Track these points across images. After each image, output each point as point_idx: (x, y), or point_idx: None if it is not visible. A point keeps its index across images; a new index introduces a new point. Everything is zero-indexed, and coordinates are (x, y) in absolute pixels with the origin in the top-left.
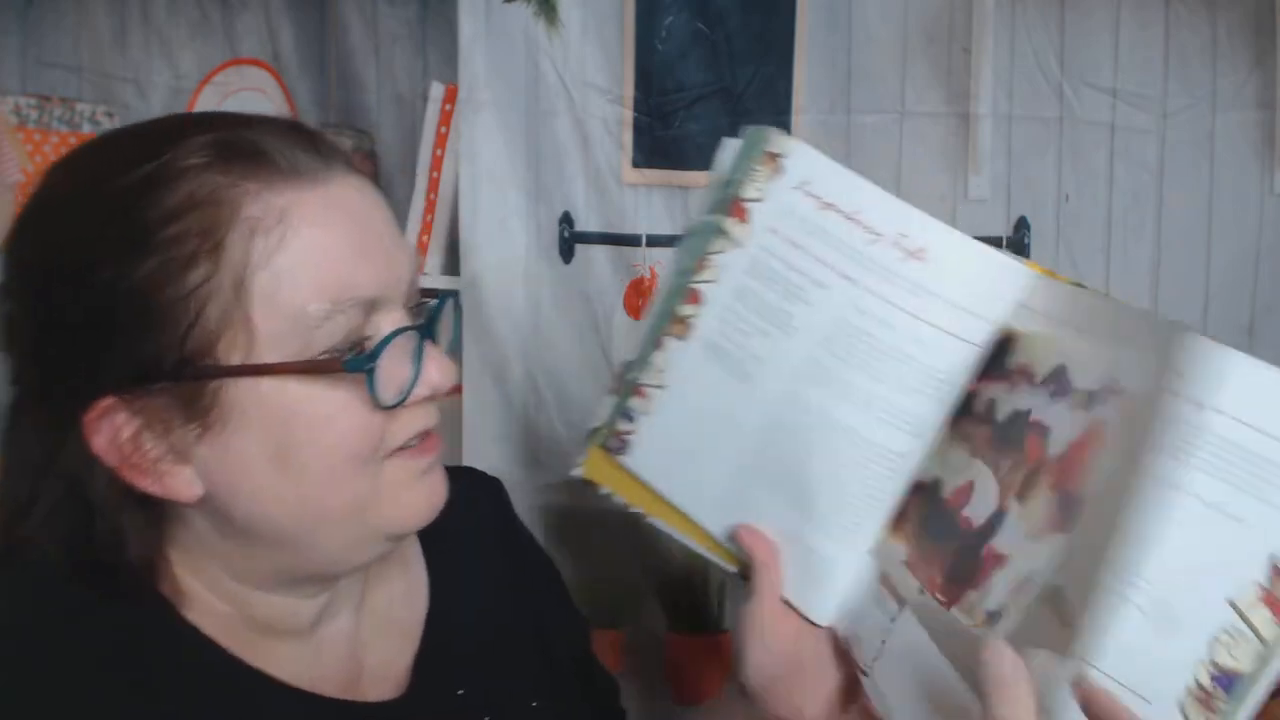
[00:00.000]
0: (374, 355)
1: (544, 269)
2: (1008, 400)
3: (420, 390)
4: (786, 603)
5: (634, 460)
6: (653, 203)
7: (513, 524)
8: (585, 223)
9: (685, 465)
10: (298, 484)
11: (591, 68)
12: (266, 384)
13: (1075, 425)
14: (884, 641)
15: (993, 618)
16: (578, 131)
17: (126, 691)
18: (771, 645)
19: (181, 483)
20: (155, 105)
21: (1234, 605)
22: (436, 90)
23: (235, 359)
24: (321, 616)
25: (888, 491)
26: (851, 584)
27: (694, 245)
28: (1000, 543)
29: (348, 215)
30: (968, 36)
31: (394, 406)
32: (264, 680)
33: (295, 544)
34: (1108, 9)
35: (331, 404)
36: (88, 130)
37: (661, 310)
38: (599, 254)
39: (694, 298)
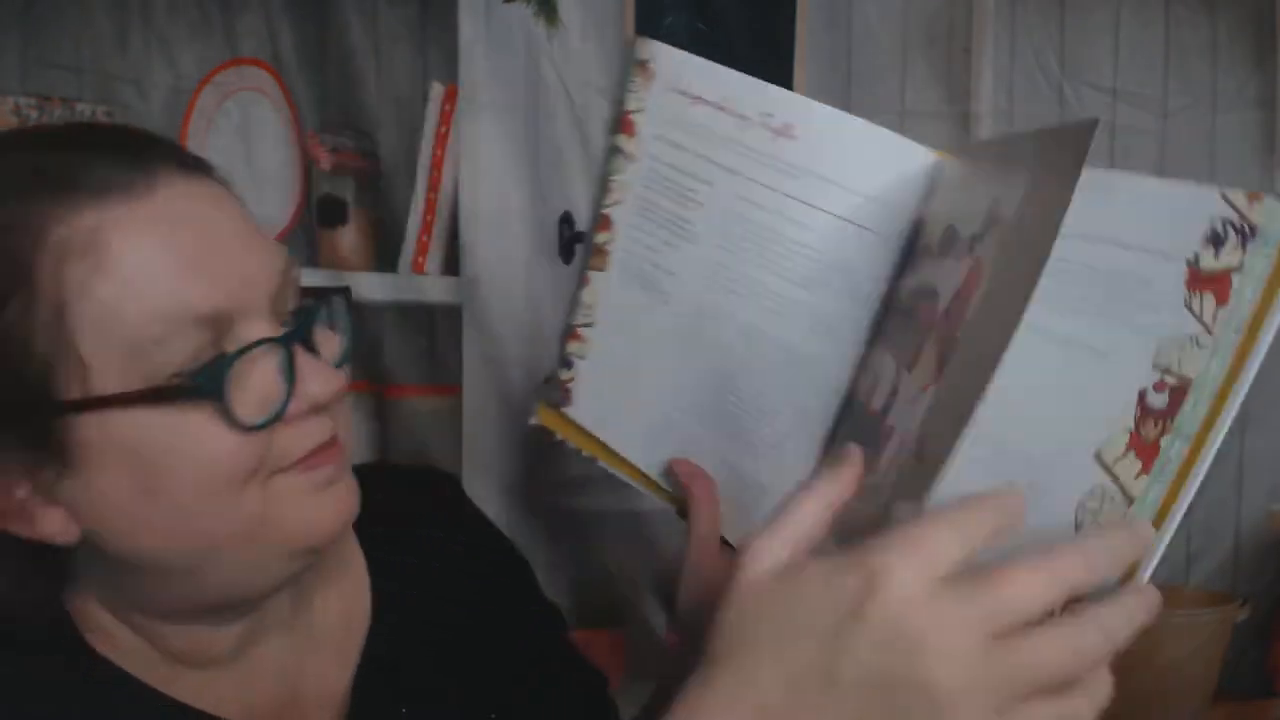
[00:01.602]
0: (217, 376)
1: (544, 269)
2: (910, 284)
3: (298, 404)
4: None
5: (575, 409)
6: None
7: (470, 522)
8: (585, 223)
9: (618, 402)
10: (172, 516)
11: (592, 68)
12: (113, 417)
13: (959, 272)
14: None
15: (871, 490)
16: (578, 131)
17: None
18: (708, 585)
19: (54, 525)
20: (155, 105)
21: (1100, 460)
22: (436, 90)
23: (73, 394)
24: (244, 644)
25: (811, 402)
26: None
27: (602, 171)
28: (891, 417)
29: (174, 227)
30: (968, 36)
31: (262, 427)
32: (191, 714)
33: (188, 574)
34: (1108, 9)
35: (188, 431)
36: None
37: (585, 245)
38: None
39: (605, 224)
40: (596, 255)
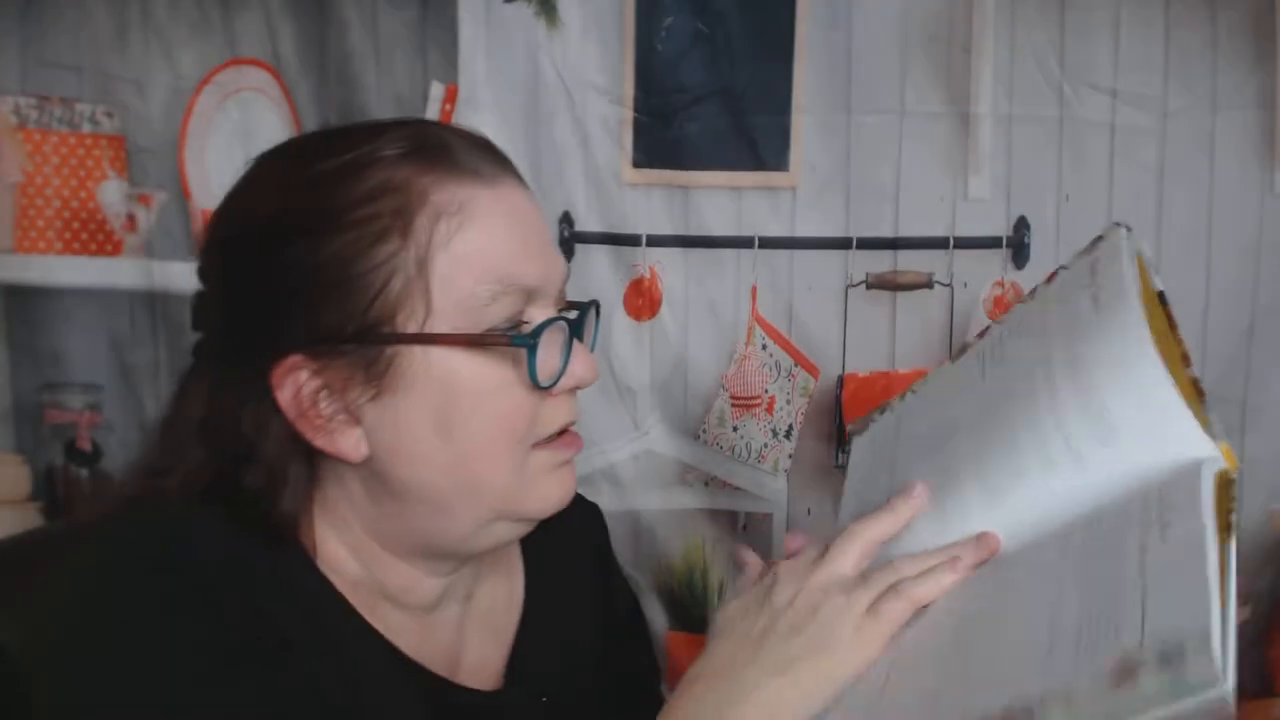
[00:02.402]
0: (536, 334)
1: None
2: None
3: (567, 380)
4: None
5: (858, 442)
6: (653, 203)
7: (607, 552)
8: (585, 223)
9: (879, 464)
10: (455, 453)
11: (591, 68)
12: (436, 354)
13: None
14: None
15: None
16: (578, 131)
17: (266, 626)
18: None
19: (350, 442)
20: (155, 105)
21: None
22: (436, 90)
23: (411, 328)
24: (436, 601)
25: None
26: None
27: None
28: None
29: (516, 215)
30: (968, 36)
31: (545, 389)
32: (384, 643)
33: (441, 512)
34: (1108, 9)
35: (491, 378)
36: (87, 130)
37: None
38: (599, 254)
39: (983, 334)
40: (959, 351)
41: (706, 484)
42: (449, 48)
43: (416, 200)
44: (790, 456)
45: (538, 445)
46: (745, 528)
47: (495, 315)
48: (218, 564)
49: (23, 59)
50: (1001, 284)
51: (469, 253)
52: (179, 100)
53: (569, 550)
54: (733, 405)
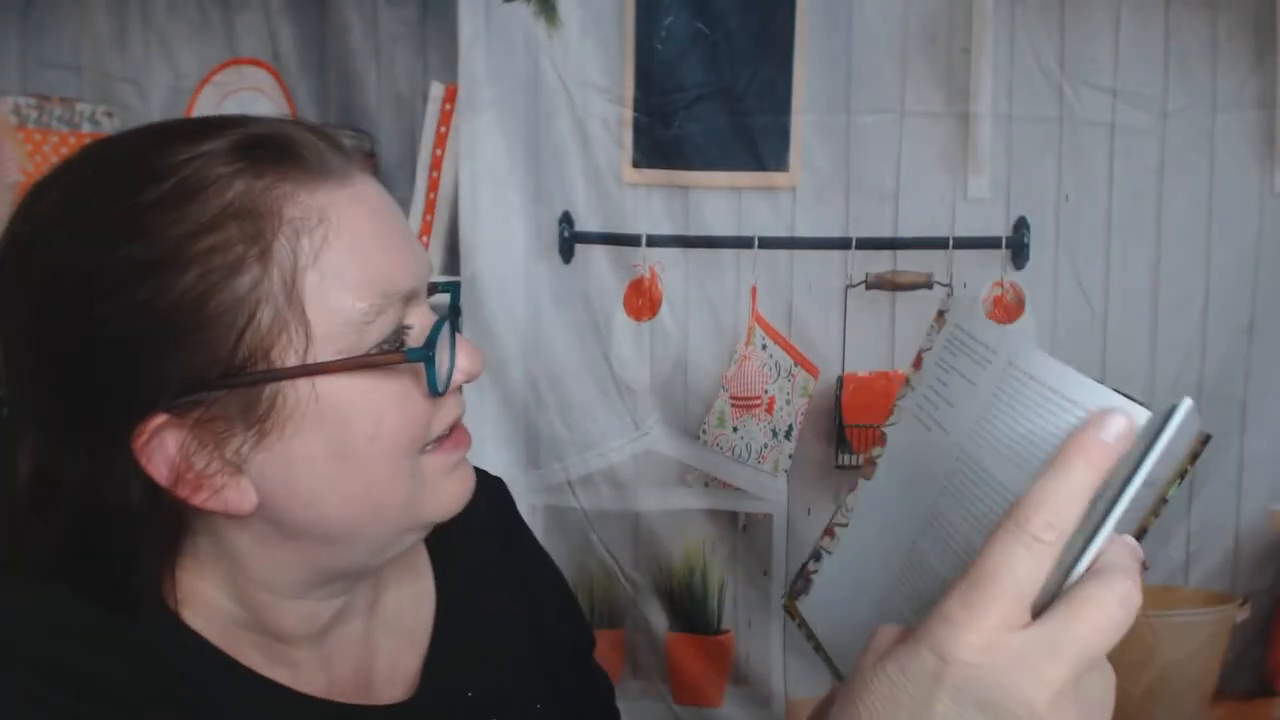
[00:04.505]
0: (431, 344)
1: (544, 269)
2: None
3: (456, 378)
4: None
5: (807, 601)
6: (653, 203)
7: (516, 525)
8: (585, 223)
9: (842, 602)
10: (356, 480)
11: (591, 68)
12: (323, 383)
13: None
14: None
15: None
16: (578, 131)
17: (141, 702)
18: None
19: (237, 494)
20: (155, 105)
21: None
22: (436, 90)
23: (291, 361)
24: (333, 623)
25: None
26: None
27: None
28: None
29: (376, 212)
30: (968, 36)
31: (443, 392)
32: (274, 687)
33: (344, 541)
34: (1108, 9)
35: (388, 396)
36: (87, 130)
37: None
38: (599, 254)
39: (880, 440)
40: (868, 465)
41: (706, 484)
42: (449, 47)
43: (270, 220)
44: (790, 456)
45: (427, 450)
46: (745, 528)
47: (380, 330)
48: (68, 650)
49: (23, 59)
50: (1001, 284)
51: (340, 266)
52: (179, 100)
53: (476, 533)
54: (733, 405)
